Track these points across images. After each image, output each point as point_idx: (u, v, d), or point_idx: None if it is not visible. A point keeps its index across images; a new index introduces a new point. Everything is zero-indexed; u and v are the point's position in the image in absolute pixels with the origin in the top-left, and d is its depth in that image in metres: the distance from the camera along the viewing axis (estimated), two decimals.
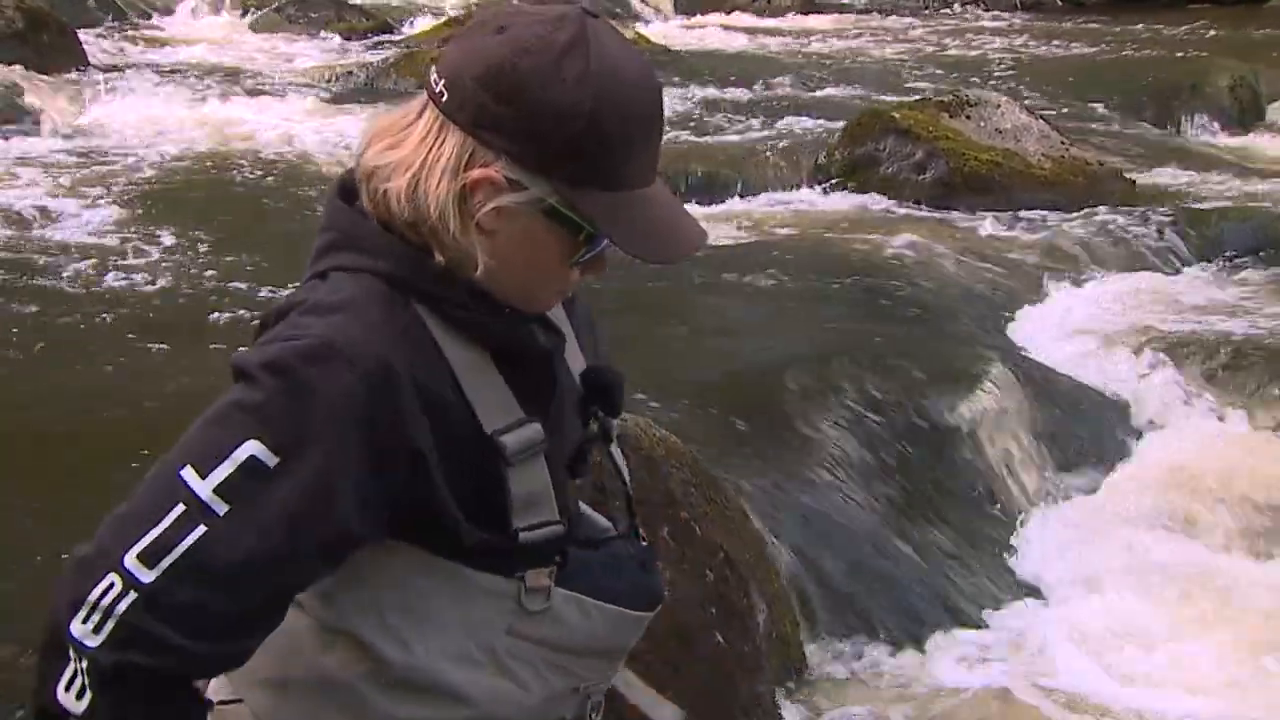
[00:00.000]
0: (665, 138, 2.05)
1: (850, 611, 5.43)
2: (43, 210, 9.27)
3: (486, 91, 1.99)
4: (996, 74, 15.03)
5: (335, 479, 1.99)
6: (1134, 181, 10.53)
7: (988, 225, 9.48)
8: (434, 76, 2.05)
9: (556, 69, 1.98)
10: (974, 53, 16.82)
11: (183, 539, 1.93)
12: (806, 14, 20.30)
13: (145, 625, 1.93)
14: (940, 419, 6.42)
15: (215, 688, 2.26)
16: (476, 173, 2.00)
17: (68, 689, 1.98)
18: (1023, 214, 9.68)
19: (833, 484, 5.90)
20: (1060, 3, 20.16)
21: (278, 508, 1.96)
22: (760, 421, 6.15)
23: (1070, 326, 7.79)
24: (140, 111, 12.65)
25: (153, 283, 7.87)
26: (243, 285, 7.74)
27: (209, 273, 8.06)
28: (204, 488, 1.94)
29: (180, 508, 1.94)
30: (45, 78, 12.89)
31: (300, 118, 12.85)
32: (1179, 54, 16.22)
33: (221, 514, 1.94)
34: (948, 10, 20.59)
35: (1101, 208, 9.81)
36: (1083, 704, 5.02)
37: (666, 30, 18.79)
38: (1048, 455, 6.52)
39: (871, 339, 7.20)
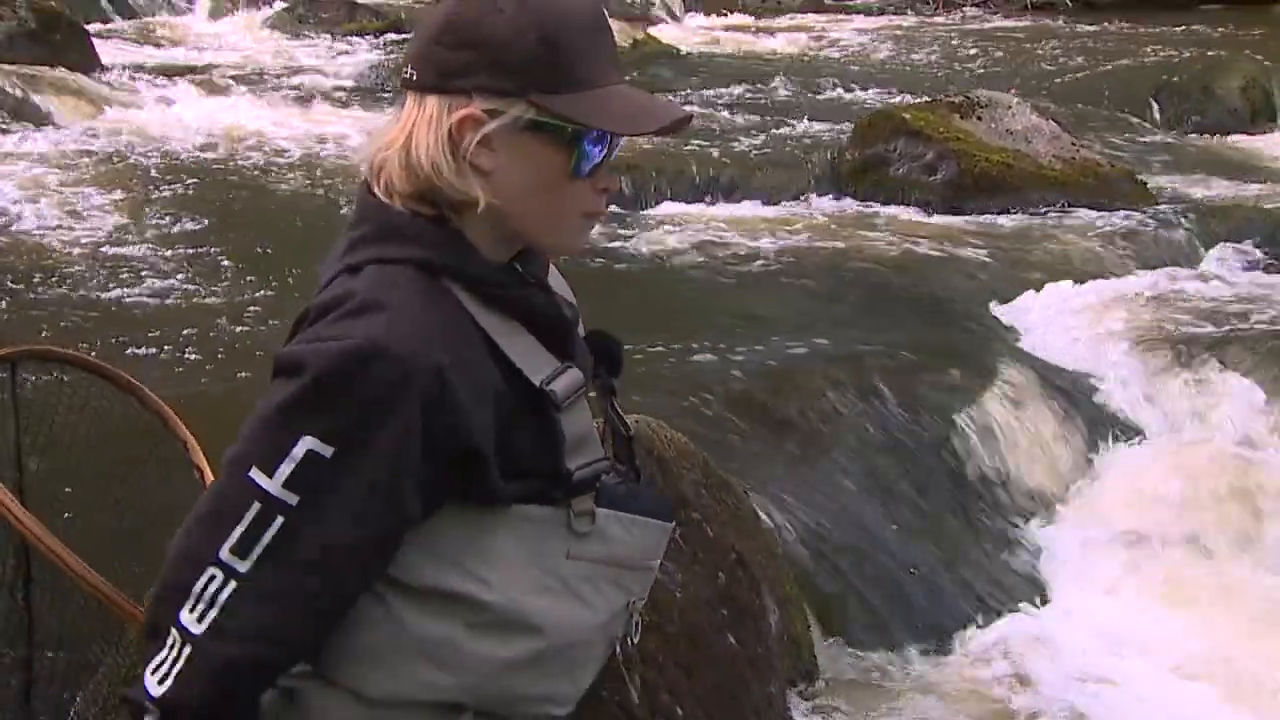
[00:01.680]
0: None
1: (861, 613, 5.42)
2: (53, 208, 9.32)
3: (442, 46, 2.19)
4: (1007, 75, 14.99)
5: (394, 471, 2.12)
6: (1145, 183, 10.50)
7: (998, 226, 9.48)
8: (405, 68, 2.24)
9: (494, 4, 2.17)
10: (984, 54, 16.77)
11: (266, 530, 2.08)
12: (813, 11, 20.25)
13: (246, 608, 2.09)
14: (951, 421, 6.40)
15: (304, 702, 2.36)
16: (456, 115, 2.15)
17: (153, 673, 2.13)
18: (1034, 215, 9.66)
19: (844, 485, 5.89)
20: (1070, 3, 20.06)
21: (342, 496, 2.10)
22: (772, 422, 6.15)
23: (1081, 328, 7.74)
24: (152, 112, 12.70)
25: (160, 279, 7.89)
26: (251, 280, 7.79)
27: (218, 269, 8.09)
28: (273, 485, 2.08)
29: (257, 505, 2.08)
30: (57, 76, 12.87)
31: (312, 117, 12.89)
32: (1190, 54, 16.15)
33: (294, 504, 2.08)
34: (958, 11, 20.52)
35: (1112, 209, 9.76)
36: (1086, 704, 5.02)
37: (677, 32, 18.78)
38: (1057, 456, 6.49)
39: (882, 340, 7.18)
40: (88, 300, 7.52)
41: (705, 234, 9.06)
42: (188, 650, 2.11)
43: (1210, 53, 16.20)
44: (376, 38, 17.93)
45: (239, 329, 6.97)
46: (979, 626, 5.50)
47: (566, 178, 2.23)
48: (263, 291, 7.57)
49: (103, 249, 8.46)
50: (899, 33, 18.55)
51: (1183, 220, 9.69)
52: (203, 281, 7.86)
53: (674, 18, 20.36)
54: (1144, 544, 5.94)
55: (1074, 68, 15.64)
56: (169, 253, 8.42)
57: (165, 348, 6.71)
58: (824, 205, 9.98)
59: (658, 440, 4.47)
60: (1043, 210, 9.72)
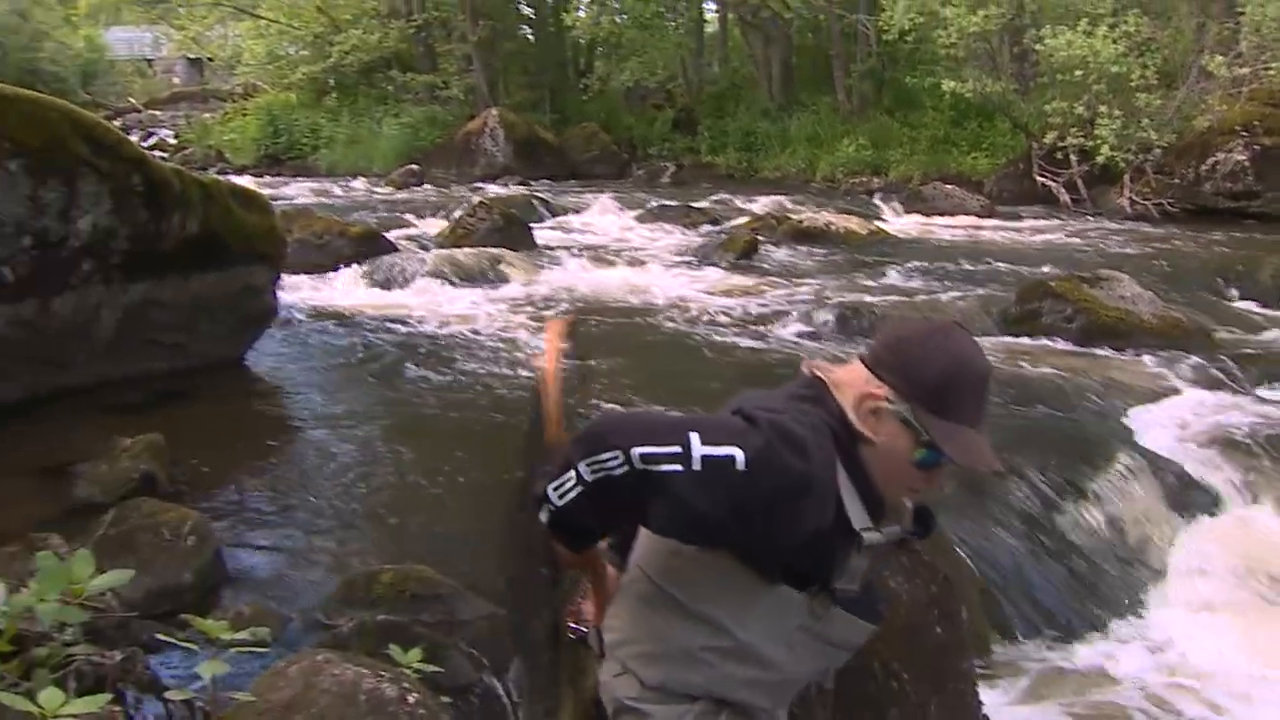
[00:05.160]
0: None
1: (1019, 617, 5.24)
2: (506, 326, 9.92)
3: (885, 350, 2.31)
4: (1119, 260, 14.45)
5: (748, 508, 2.12)
6: (1212, 335, 10.00)
7: (1115, 359, 9.10)
8: (866, 351, 2.37)
9: (926, 343, 2.28)
10: (1103, 246, 16.27)
11: (664, 465, 2.09)
12: (988, 216, 19.85)
13: (616, 483, 2.12)
14: (1087, 486, 6.13)
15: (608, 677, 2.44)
16: (870, 389, 2.28)
17: (554, 490, 2.19)
18: (1139, 353, 9.24)
19: (1013, 527, 5.70)
20: (1158, 215, 19.35)
21: (722, 492, 2.10)
22: (960, 485, 5.95)
23: (1172, 427, 7.34)
24: (567, 274, 13.17)
25: (564, 369, 8.02)
26: (620, 384, 7.84)
27: (600, 367, 8.27)
28: (698, 450, 2.09)
29: (677, 449, 2.09)
30: (512, 254, 13.48)
31: (662, 276, 13.20)
32: (1237, 251, 15.45)
33: (693, 469, 2.09)
34: (1084, 218, 19.93)
35: (1191, 352, 9.27)
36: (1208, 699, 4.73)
37: (897, 224, 18.57)
38: (1163, 514, 6.13)
39: (1037, 431, 6.95)
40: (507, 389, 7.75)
41: None
42: (578, 485, 2.15)
43: (1251, 251, 15.41)
44: (702, 228, 18.06)
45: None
46: (1110, 632, 5.24)
47: (907, 459, 2.27)
48: (620, 388, 7.59)
49: (533, 344, 8.71)
50: (1045, 231, 18.07)
51: (1239, 361, 9.16)
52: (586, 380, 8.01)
53: (893, 216, 20.14)
54: (1230, 584, 5.57)
55: (1162, 256, 15.03)
56: (577, 345, 8.58)
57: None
58: (996, 340, 9.69)
59: None
60: (1145, 351, 9.28)
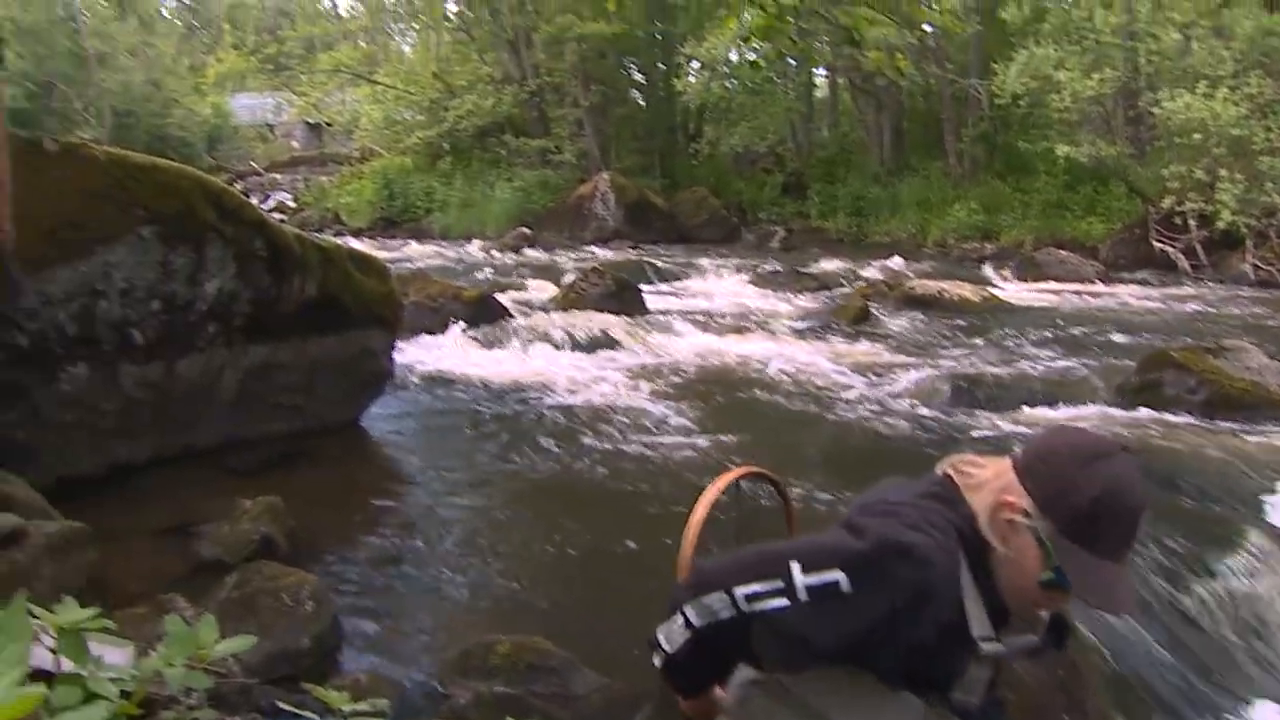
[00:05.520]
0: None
1: (1150, 702, 4.99)
2: (620, 392, 9.84)
3: (1038, 459, 2.11)
4: (1242, 328, 14.06)
5: (869, 627, 2.03)
6: None
7: (1241, 432, 8.75)
8: (1020, 452, 2.18)
9: (1085, 464, 2.05)
10: (1225, 314, 15.82)
11: (769, 601, 2.06)
12: (1103, 283, 19.48)
13: (725, 626, 2.13)
14: (1216, 566, 5.86)
15: None
16: (1010, 498, 2.10)
17: (664, 635, 2.22)
18: (1267, 425, 8.90)
19: (1140, 610, 5.46)
20: None
21: (832, 619, 2.03)
22: None
23: None
24: (679, 340, 13.17)
25: (678, 439, 8.00)
26: (732, 448, 7.76)
27: (715, 438, 8.14)
28: (801, 581, 2.04)
29: (780, 583, 2.05)
30: (625, 319, 13.56)
31: (775, 343, 13.10)
32: None
33: (799, 601, 2.03)
34: (1204, 284, 19.47)
35: None
36: None
37: (1009, 290, 18.30)
38: None
39: (1162, 508, 6.68)
40: (625, 443, 7.68)
41: (1022, 435, 8.63)
42: (685, 630, 2.17)
43: None
44: (812, 293, 18.01)
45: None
46: None
47: (1034, 574, 2.10)
48: (733, 449, 7.54)
49: (642, 413, 8.75)
50: (1164, 298, 17.62)
51: None
52: (696, 441, 7.91)
53: (1006, 282, 19.88)
54: None
55: None
56: (679, 421, 8.58)
57: (675, 477, 6.76)
58: (1115, 413, 9.42)
59: None
60: (1274, 424, 8.94)
